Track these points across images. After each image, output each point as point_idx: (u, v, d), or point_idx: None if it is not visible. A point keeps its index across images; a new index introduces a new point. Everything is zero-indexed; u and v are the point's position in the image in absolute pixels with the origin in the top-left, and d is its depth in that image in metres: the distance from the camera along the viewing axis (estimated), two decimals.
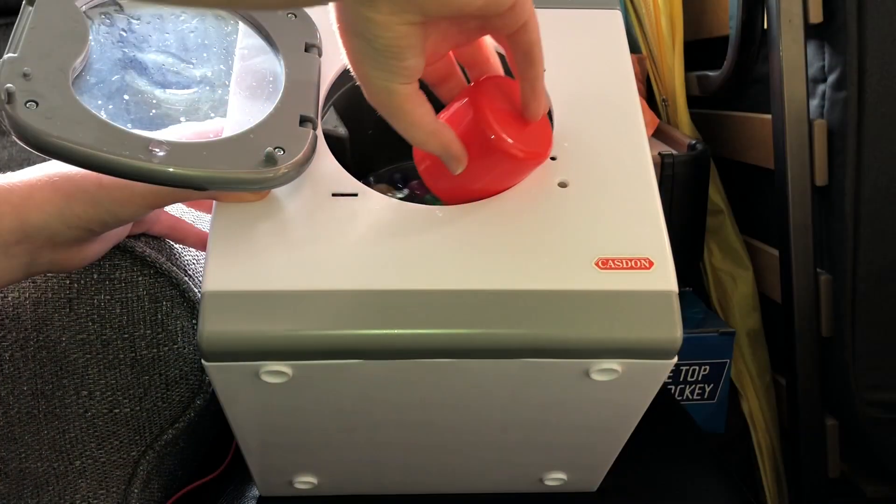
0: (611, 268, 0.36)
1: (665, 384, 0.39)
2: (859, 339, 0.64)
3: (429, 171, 0.39)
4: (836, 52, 0.62)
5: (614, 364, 0.36)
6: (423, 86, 0.37)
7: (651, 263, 0.36)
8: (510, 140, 0.35)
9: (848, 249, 0.63)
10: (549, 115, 0.42)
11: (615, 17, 0.46)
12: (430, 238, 0.36)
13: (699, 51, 0.86)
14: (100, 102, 0.37)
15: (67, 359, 0.44)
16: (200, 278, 0.43)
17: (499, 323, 0.34)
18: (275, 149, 0.35)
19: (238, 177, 0.34)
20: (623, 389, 0.38)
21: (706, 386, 0.81)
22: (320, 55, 0.41)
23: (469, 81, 0.40)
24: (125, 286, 0.45)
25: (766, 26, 0.69)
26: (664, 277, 0.36)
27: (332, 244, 0.36)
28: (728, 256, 0.84)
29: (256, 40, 0.42)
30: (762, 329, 0.83)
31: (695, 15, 0.85)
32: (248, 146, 0.35)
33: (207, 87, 0.42)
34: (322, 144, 0.39)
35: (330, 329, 0.34)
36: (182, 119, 0.40)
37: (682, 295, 0.36)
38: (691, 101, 0.86)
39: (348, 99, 0.46)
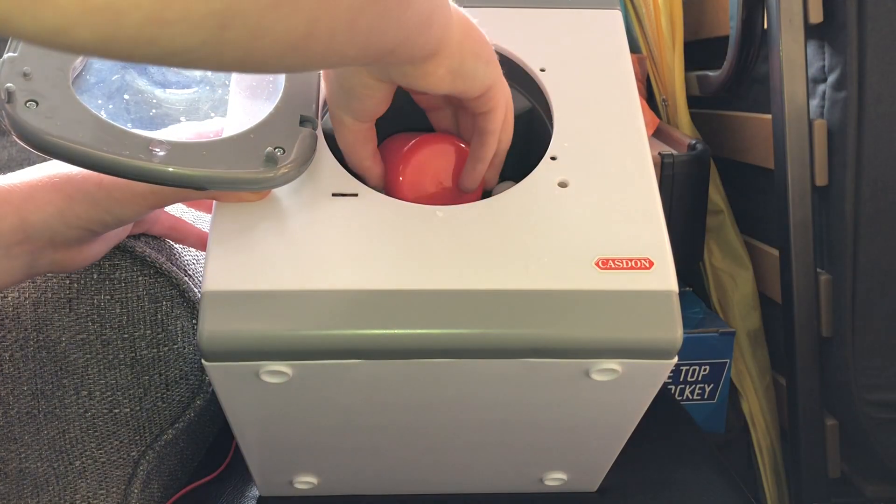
0: (611, 268, 0.36)
1: (665, 384, 0.39)
2: (859, 339, 0.64)
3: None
4: (836, 52, 0.62)
5: (614, 364, 0.36)
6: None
7: (651, 263, 0.36)
8: (405, 190, 0.41)
9: (848, 249, 0.63)
10: (549, 116, 0.42)
11: (615, 17, 0.46)
12: (430, 238, 0.36)
13: (699, 51, 0.86)
14: (100, 102, 0.37)
15: (67, 359, 0.44)
16: (200, 278, 0.43)
17: (499, 323, 0.34)
18: (275, 149, 0.35)
19: (238, 177, 0.34)
20: (623, 389, 0.38)
21: (706, 386, 0.81)
22: None
23: None
24: (125, 286, 0.45)
25: (766, 26, 0.69)
26: (664, 277, 0.36)
27: (332, 244, 0.36)
28: (728, 256, 0.84)
29: None
30: (762, 329, 0.83)
31: (695, 15, 0.85)
32: (248, 146, 0.35)
33: (207, 87, 0.42)
34: (322, 144, 0.39)
35: (330, 329, 0.34)
36: (182, 119, 0.40)
37: (682, 295, 0.36)
38: (691, 101, 0.86)
39: None
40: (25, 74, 0.33)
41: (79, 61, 0.36)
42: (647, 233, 0.37)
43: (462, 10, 0.36)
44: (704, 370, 0.80)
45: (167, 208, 0.47)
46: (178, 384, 0.47)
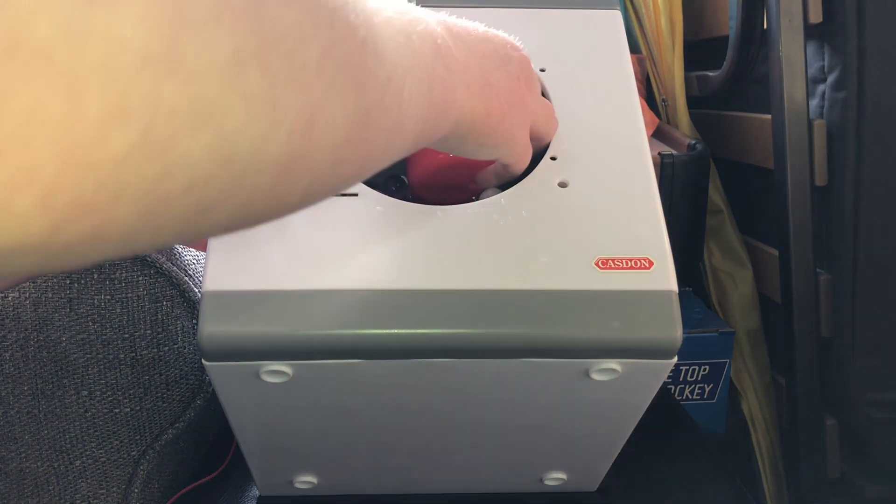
0: (611, 268, 0.36)
1: (665, 384, 0.39)
2: (859, 339, 0.64)
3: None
4: (836, 52, 0.62)
5: (614, 364, 0.36)
6: None
7: (651, 263, 0.36)
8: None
9: (848, 249, 0.63)
10: None
11: (615, 17, 0.46)
12: (430, 238, 0.36)
13: (699, 51, 0.86)
14: None
15: (67, 359, 0.44)
16: (200, 278, 0.43)
17: (499, 323, 0.34)
18: None
19: None
20: (623, 389, 0.38)
21: (706, 386, 0.81)
22: None
23: None
24: (125, 286, 0.45)
25: (765, 26, 0.69)
26: (664, 277, 0.36)
27: (332, 244, 0.36)
28: (728, 256, 0.84)
29: None
30: (762, 329, 0.83)
31: (695, 15, 0.85)
32: None
33: None
34: None
35: (330, 329, 0.34)
36: None
37: (682, 295, 0.36)
38: (691, 101, 0.86)
39: None
40: None
41: None
42: (646, 233, 0.37)
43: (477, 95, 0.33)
44: (704, 370, 0.80)
45: None
46: (178, 384, 0.47)
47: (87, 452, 0.45)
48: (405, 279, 0.35)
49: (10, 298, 0.44)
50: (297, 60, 0.17)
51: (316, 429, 0.42)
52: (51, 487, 0.45)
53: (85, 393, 0.45)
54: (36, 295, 0.44)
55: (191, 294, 0.47)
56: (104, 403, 0.45)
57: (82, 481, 0.45)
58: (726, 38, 0.76)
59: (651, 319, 0.35)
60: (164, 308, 0.46)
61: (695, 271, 0.88)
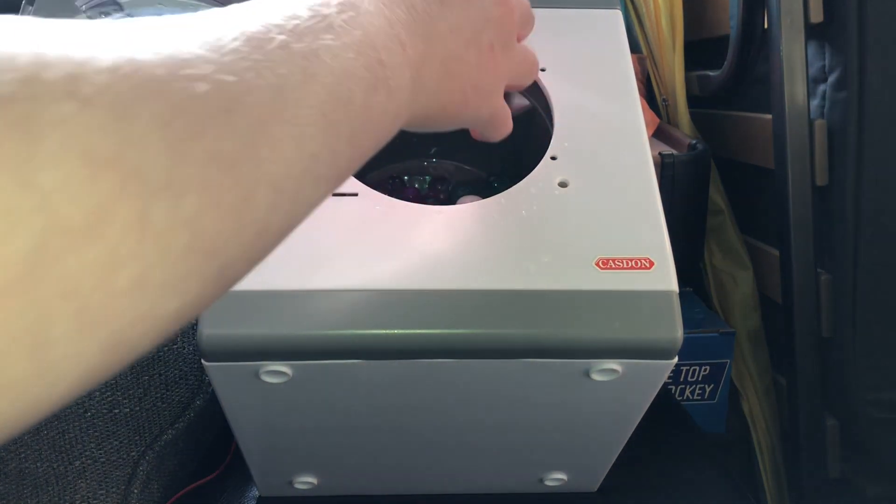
0: (611, 268, 0.36)
1: (665, 384, 0.39)
2: (859, 339, 0.64)
3: None
4: (837, 51, 0.62)
5: (614, 364, 0.36)
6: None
7: (651, 263, 0.36)
8: None
9: (848, 249, 0.63)
10: (549, 116, 0.42)
11: (615, 17, 0.46)
12: (430, 238, 0.36)
13: (699, 51, 0.86)
14: None
15: None
16: None
17: (499, 323, 0.34)
18: None
19: None
20: (623, 389, 0.38)
21: (706, 386, 0.81)
22: None
23: None
24: None
25: (766, 26, 0.69)
26: (664, 277, 0.36)
27: (331, 244, 0.36)
28: (728, 256, 0.84)
29: None
30: (762, 329, 0.83)
31: (695, 15, 0.85)
32: None
33: None
34: None
35: (330, 329, 0.34)
36: None
37: (682, 295, 0.36)
38: (691, 101, 0.86)
39: None
40: None
41: None
42: (647, 233, 0.37)
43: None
44: (705, 370, 0.80)
45: None
46: (177, 384, 0.47)
47: (87, 453, 0.45)
48: (405, 279, 0.35)
49: None
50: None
51: (316, 429, 0.42)
52: (50, 488, 0.45)
53: (84, 393, 0.45)
54: None
55: None
56: (104, 404, 0.45)
57: (82, 481, 0.45)
58: (726, 37, 0.76)
59: (651, 319, 0.35)
60: None
61: (695, 271, 0.88)
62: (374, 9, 0.25)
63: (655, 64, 0.87)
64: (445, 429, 0.42)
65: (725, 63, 0.78)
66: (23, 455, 0.44)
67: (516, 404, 0.40)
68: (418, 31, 0.28)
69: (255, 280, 0.34)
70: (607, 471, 0.48)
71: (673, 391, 0.81)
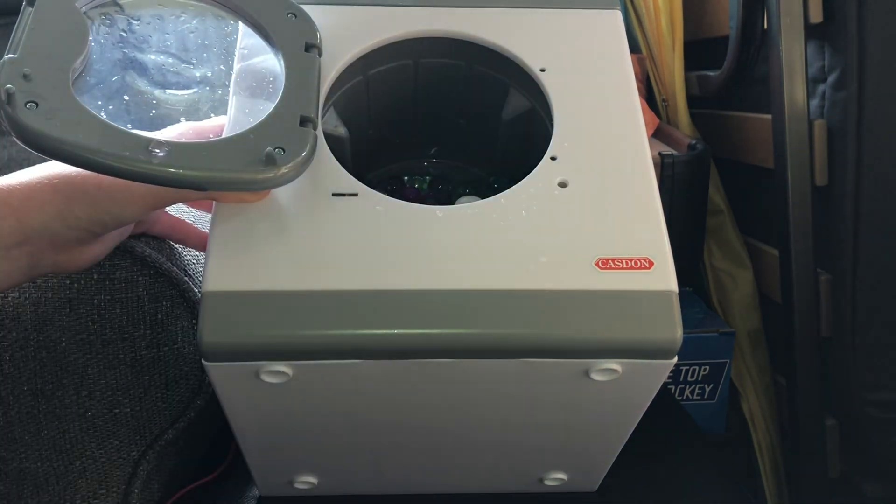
0: (611, 268, 0.36)
1: (665, 384, 0.39)
2: (859, 339, 0.64)
3: None
4: (836, 51, 0.62)
5: (614, 364, 0.36)
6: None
7: (651, 263, 0.36)
8: None
9: (848, 249, 0.63)
10: (549, 116, 0.42)
11: (615, 17, 0.46)
12: (430, 238, 0.36)
13: (699, 51, 0.86)
14: (100, 103, 0.37)
15: (67, 359, 0.44)
16: (200, 278, 0.43)
17: (499, 323, 0.34)
18: (275, 149, 0.35)
19: (238, 177, 0.34)
20: (623, 389, 0.38)
21: (706, 386, 0.81)
22: (320, 55, 0.41)
23: None
24: (125, 286, 0.45)
25: (766, 26, 0.69)
26: (664, 277, 0.36)
27: (332, 244, 0.36)
28: (728, 256, 0.84)
29: (256, 40, 0.42)
30: (762, 329, 0.83)
31: (695, 15, 0.85)
32: (248, 146, 0.35)
33: (207, 88, 0.42)
34: (322, 144, 0.39)
35: (330, 329, 0.34)
36: (182, 119, 0.40)
37: (682, 295, 0.36)
38: (691, 101, 0.86)
39: (348, 99, 0.46)
40: (25, 76, 0.33)
41: (79, 62, 0.36)
42: (647, 233, 0.37)
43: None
44: (704, 370, 0.80)
45: (168, 208, 0.47)
46: (178, 384, 0.47)
47: (87, 453, 0.45)
48: (405, 279, 0.35)
49: (10, 298, 0.44)
50: None
51: (316, 429, 0.42)
52: (51, 487, 0.45)
53: (85, 393, 0.45)
54: (36, 295, 0.44)
55: (191, 294, 0.47)
56: (104, 403, 0.45)
57: (82, 481, 0.45)
58: (726, 38, 0.76)
59: (651, 319, 0.35)
60: (164, 308, 0.46)
61: (695, 271, 0.88)
62: None
63: (655, 64, 0.87)
64: (445, 429, 0.42)
65: (725, 63, 0.78)
66: (23, 455, 0.45)
67: (516, 404, 0.40)
68: None
69: (255, 280, 0.34)
70: (607, 471, 0.48)
71: (673, 391, 0.81)
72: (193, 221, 0.50)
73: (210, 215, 0.37)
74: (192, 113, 0.41)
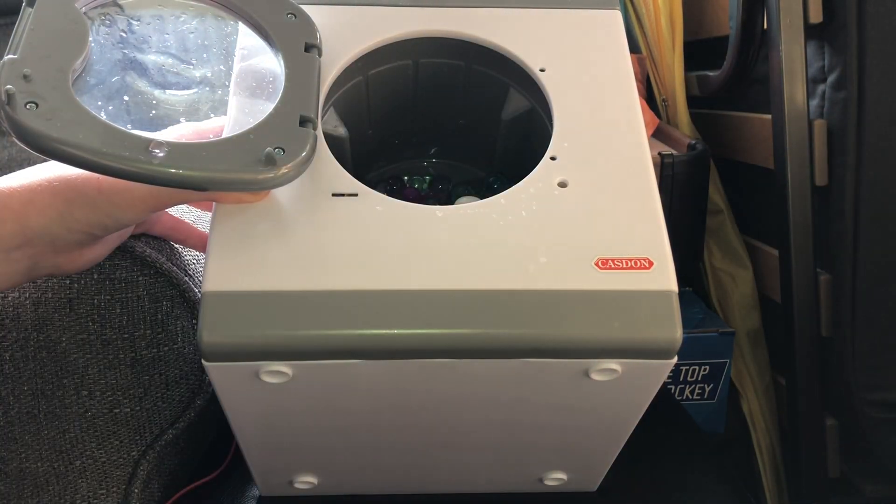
0: (610, 268, 0.36)
1: (665, 384, 0.39)
2: (859, 339, 0.64)
3: None
4: (836, 52, 0.62)
5: (614, 364, 0.36)
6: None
7: (651, 263, 0.36)
8: None
9: (848, 249, 0.63)
10: (549, 116, 0.42)
11: (615, 17, 0.46)
12: (430, 238, 0.36)
13: (699, 51, 0.86)
14: (100, 103, 0.37)
15: (67, 359, 0.44)
16: (200, 278, 0.43)
17: (499, 323, 0.34)
18: (275, 149, 0.35)
19: (238, 177, 0.34)
20: (623, 389, 0.38)
21: (706, 386, 0.81)
22: (320, 55, 0.41)
23: None
24: (125, 286, 0.45)
25: (766, 26, 0.69)
26: (664, 277, 0.36)
27: (332, 244, 0.36)
28: (728, 256, 0.84)
29: (256, 40, 0.42)
30: (762, 329, 0.83)
31: (695, 15, 0.85)
32: (248, 146, 0.35)
33: (207, 88, 0.42)
34: (322, 144, 0.39)
35: (330, 329, 0.34)
36: (182, 120, 0.40)
37: (682, 295, 0.36)
38: (691, 101, 0.86)
39: (348, 99, 0.46)
40: (25, 76, 0.33)
41: (79, 62, 0.36)
42: (646, 233, 0.37)
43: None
44: (704, 370, 0.80)
45: (168, 209, 0.47)
46: (178, 384, 0.47)
47: (87, 452, 0.45)
48: (405, 279, 0.35)
49: (10, 298, 0.44)
50: None
51: (316, 429, 0.42)
52: (51, 487, 0.45)
53: (85, 393, 0.45)
54: (36, 295, 0.44)
55: (191, 294, 0.47)
56: (104, 403, 0.45)
57: (82, 481, 0.45)
58: (726, 38, 0.76)
59: (651, 319, 0.35)
60: (164, 308, 0.46)
61: (695, 271, 0.88)
62: None
63: (655, 64, 0.87)
64: (445, 429, 0.42)
65: (725, 63, 0.78)
66: (23, 455, 0.45)
67: (516, 404, 0.40)
68: None
69: (255, 280, 0.34)
70: (607, 470, 0.48)
71: (672, 391, 0.81)
72: (193, 221, 0.50)
73: (210, 215, 0.37)
74: (192, 113, 0.41)
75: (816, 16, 0.63)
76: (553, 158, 0.39)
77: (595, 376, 0.36)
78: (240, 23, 0.42)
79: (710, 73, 0.82)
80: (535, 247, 0.36)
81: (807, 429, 0.70)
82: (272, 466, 0.46)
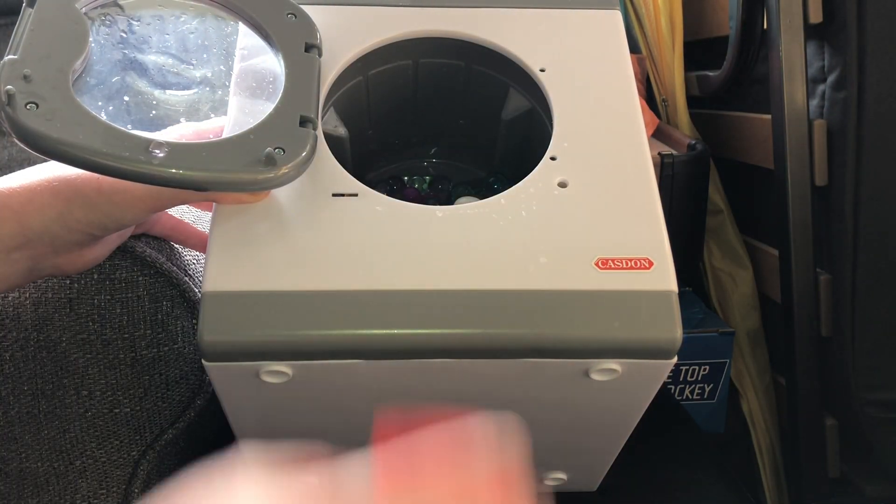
0: (610, 268, 0.36)
1: (665, 384, 0.39)
2: (859, 339, 0.64)
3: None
4: (836, 52, 0.62)
5: (614, 364, 0.36)
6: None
7: (651, 263, 0.36)
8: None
9: (848, 249, 0.63)
10: (549, 116, 0.42)
11: (615, 17, 0.46)
12: (430, 238, 0.36)
13: (699, 51, 0.86)
14: (100, 104, 0.37)
15: (68, 359, 0.44)
16: (200, 278, 0.43)
17: (499, 323, 0.34)
18: (275, 149, 0.35)
19: (238, 178, 0.34)
20: (623, 389, 0.38)
21: (706, 386, 0.81)
22: (320, 55, 0.41)
23: None
24: (125, 286, 0.45)
25: (765, 26, 0.69)
26: (664, 277, 0.36)
27: (332, 244, 0.36)
28: (728, 256, 0.84)
29: (256, 40, 0.42)
30: (762, 329, 0.83)
31: (695, 15, 0.85)
32: (248, 147, 0.35)
33: (207, 88, 0.42)
34: (322, 144, 0.39)
35: (330, 329, 0.34)
36: (182, 120, 0.41)
37: (682, 295, 0.36)
38: (691, 101, 0.86)
39: (348, 99, 0.46)
40: (26, 76, 0.33)
41: (79, 63, 0.36)
42: (646, 233, 0.37)
43: None
44: (704, 370, 0.80)
45: (168, 209, 0.47)
46: (178, 384, 0.47)
47: (87, 452, 0.45)
48: (405, 279, 0.35)
49: (10, 298, 0.44)
50: None
51: (316, 429, 0.42)
52: (51, 487, 0.45)
53: (85, 393, 0.45)
54: (36, 295, 0.44)
55: (191, 294, 0.47)
56: (104, 403, 0.45)
57: (82, 481, 0.46)
58: (726, 38, 0.76)
59: (651, 319, 0.35)
60: (164, 308, 0.46)
61: (695, 271, 0.88)
62: None
63: (655, 64, 0.87)
64: None
65: (725, 63, 0.78)
66: (23, 455, 0.45)
67: (516, 404, 0.40)
68: None
69: (255, 280, 0.34)
70: (607, 470, 0.48)
71: (672, 391, 0.81)
72: (193, 221, 0.50)
73: (210, 215, 0.37)
74: (193, 113, 0.41)
75: (816, 16, 0.63)
76: (553, 158, 0.39)
77: (595, 376, 0.36)
78: (240, 23, 0.42)
79: (710, 73, 0.82)
80: (535, 247, 0.36)
81: (807, 429, 0.70)
82: None
